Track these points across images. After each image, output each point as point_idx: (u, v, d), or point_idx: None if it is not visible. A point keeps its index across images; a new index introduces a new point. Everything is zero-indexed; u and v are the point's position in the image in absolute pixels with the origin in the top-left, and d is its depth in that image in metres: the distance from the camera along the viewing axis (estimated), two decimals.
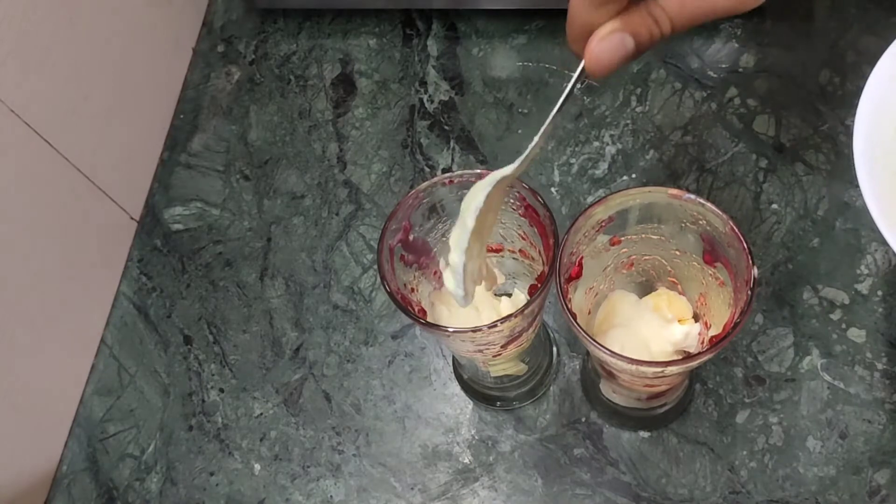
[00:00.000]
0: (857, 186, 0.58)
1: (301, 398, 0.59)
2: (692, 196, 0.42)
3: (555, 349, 0.57)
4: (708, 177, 0.61)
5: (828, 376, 0.54)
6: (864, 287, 0.56)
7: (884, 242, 0.56)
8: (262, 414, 0.58)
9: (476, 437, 0.56)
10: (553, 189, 0.62)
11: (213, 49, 0.72)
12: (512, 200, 0.45)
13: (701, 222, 0.43)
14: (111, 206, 0.63)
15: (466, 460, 0.55)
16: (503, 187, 0.39)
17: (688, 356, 0.42)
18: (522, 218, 0.45)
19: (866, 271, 0.56)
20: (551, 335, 0.57)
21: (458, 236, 0.39)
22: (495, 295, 0.50)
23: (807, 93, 0.62)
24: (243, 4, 0.73)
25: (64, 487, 0.58)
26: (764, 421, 0.53)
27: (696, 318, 0.48)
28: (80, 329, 0.61)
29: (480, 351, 0.47)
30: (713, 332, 0.47)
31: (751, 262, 0.40)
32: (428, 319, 0.47)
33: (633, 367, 0.40)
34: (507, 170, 0.38)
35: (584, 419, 0.55)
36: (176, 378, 0.60)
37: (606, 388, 0.52)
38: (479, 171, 0.44)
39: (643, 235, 0.46)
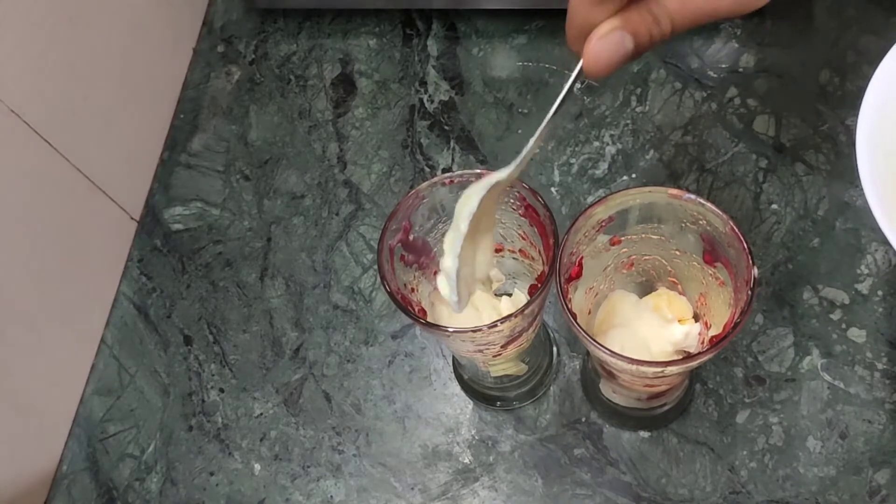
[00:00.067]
0: (858, 186, 0.58)
1: (301, 398, 0.59)
2: (692, 196, 0.42)
3: (555, 349, 0.57)
4: (708, 177, 0.61)
5: (828, 376, 0.54)
6: (864, 287, 0.56)
7: (884, 242, 0.56)
8: (262, 414, 0.58)
9: (476, 438, 0.56)
10: (553, 189, 0.62)
11: (213, 49, 0.72)
12: (512, 200, 0.45)
13: (701, 222, 0.43)
14: (111, 206, 0.63)
15: (466, 460, 0.55)
16: (498, 191, 0.39)
17: (688, 356, 0.42)
18: (522, 218, 0.45)
19: (866, 271, 0.56)
20: (551, 335, 0.57)
21: (452, 241, 0.38)
22: (495, 295, 0.50)
23: (807, 93, 0.62)
24: (243, 4, 0.73)
25: (64, 487, 0.58)
26: (764, 421, 0.53)
27: (696, 318, 0.48)
28: (80, 329, 0.61)
29: (480, 351, 0.47)
30: (713, 332, 0.47)
31: (751, 262, 0.40)
32: (428, 319, 0.47)
33: (633, 367, 0.40)
34: (502, 174, 0.38)
35: (584, 419, 0.55)
36: (176, 378, 0.60)
37: (606, 388, 0.52)
38: (479, 171, 0.44)
39: (643, 235, 0.46)
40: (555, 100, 0.36)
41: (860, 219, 0.58)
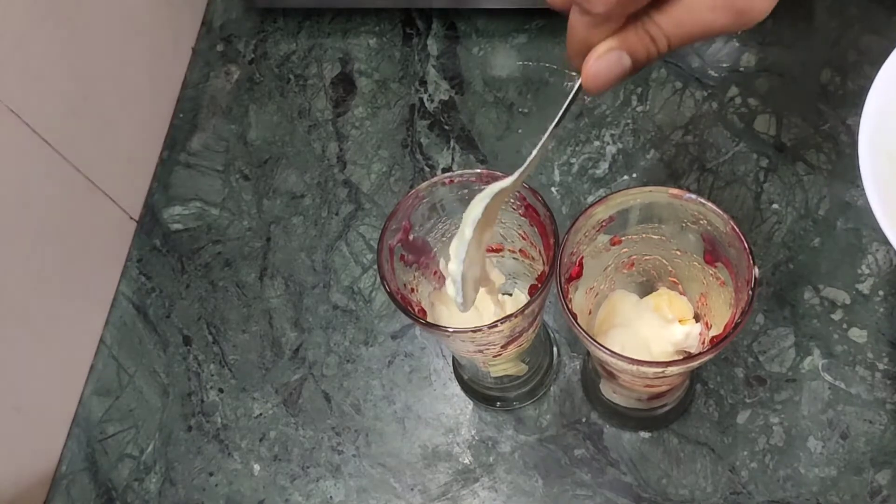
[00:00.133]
0: (859, 186, 0.58)
1: (301, 398, 0.58)
2: (693, 196, 0.42)
3: (555, 349, 0.57)
4: (709, 176, 0.60)
5: (829, 376, 0.54)
6: (865, 287, 0.56)
7: (885, 242, 0.56)
8: (261, 414, 0.58)
9: (476, 438, 0.56)
10: (553, 189, 0.62)
11: (213, 48, 0.72)
12: (512, 200, 0.45)
13: (702, 222, 0.43)
14: (110, 205, 0.63)
15: (466, 461, 0.55)
16: (502, 199, 0.40)
17: (688, 356, 0.41)
18: (523, 218, 0.45)
19: (867, 271, 0.56)
20: (551, 335, 0.57)
21: (457, 247, 0.39)
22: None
23: (808, 92, 0.62)
24: (243, 3, 0.73)
25: (63, 488, 0.58)
26: (765, 421, 0.53)
27: (696, 318, 0.48)
28: (79, 329, 0.61)
29: (480, 351, 0.47)
30: (714, 332, 0.46)
31: (752, 261, 0.40)
32: (428, 319, 0.47)
33: (634, 367, 0.40)
34: (507, 182, 0.38)
35: (584, 419, 0.55)
36: (175, 378, 0.60)
37: (607, 389, 0.52)
38: (479, 170, 0.44)
39: (644, 235, 0.46)
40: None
41: (861, 218, 0.57)
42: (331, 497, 0.55)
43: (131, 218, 0.66)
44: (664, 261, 0.48)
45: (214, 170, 0.67)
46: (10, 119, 0.52)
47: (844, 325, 0.55)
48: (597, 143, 0.63)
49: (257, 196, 0.66)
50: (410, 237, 0.45)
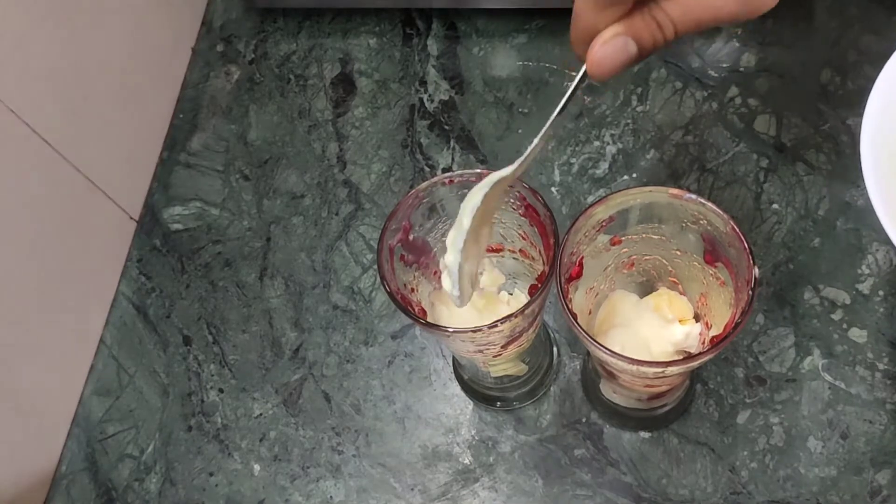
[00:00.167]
0: (859, 186, 0.58)
1: (301, 398, 0.58)
2: (693, 196, 0.42)
3: (555, 349, 0.57)
4: (709, 176, 0.60)
5: (829, 376, 0.54)
6: (865, 287, 0.56)
7: (886, 242, 0.56)
8: (261, 414, 0.58)
9: (476, 438, 0.56)
10: (553, 189, 0.62)
11: (213, 48, 0.72)
12: (512, 200, 0.45)
13: (702, 222, 0.43)
14: (110, 205, 0.63)
15: (466, 461, 0.55)
16: (501, 189, 0.39)
17: (688, 356, 0.41)
18: (523, 218, 0.45)
19: (867, 271, 0.56)
20: (551, 335, 0.57)
21: (454, 237, 0.39)
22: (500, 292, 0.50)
23: (808, 92, 0.62)
24: (243, 3, 0.73)
25: (63, 488, 0.58)
26: (765, 421, 0.53)
27: (696, 318, 0.48)
28: (79, 329, 0.61)
29: (481, 351, 0.46)
30: (714, 332, 0.46)
31: (752, 261, 0.40)
32: (428, 319, 0.47)
33: (634, 367, 0.40)
34: (506, 171, 0.38)
35: (584, 420, 0.55)
36: (175, 378, 0.60)
37: (607, 389, 0.52)
38: (479, 170, 0.43)
39: (644, 235, 0.46)
40: (557, 99, 0.36)
41: (861, 218, 0.57)
42: (331, 497, 0.55)
43: (131, 218, 0.66)
44: (664, 261, 0.48)
45: (214, 170, 0.67)
46: (10, 119, 0.52)
47: (844, 325, 0.55)
48: (597, 143, 0.63)
49: (257, 196, 0.66)
50: (410, 237, 0.45)
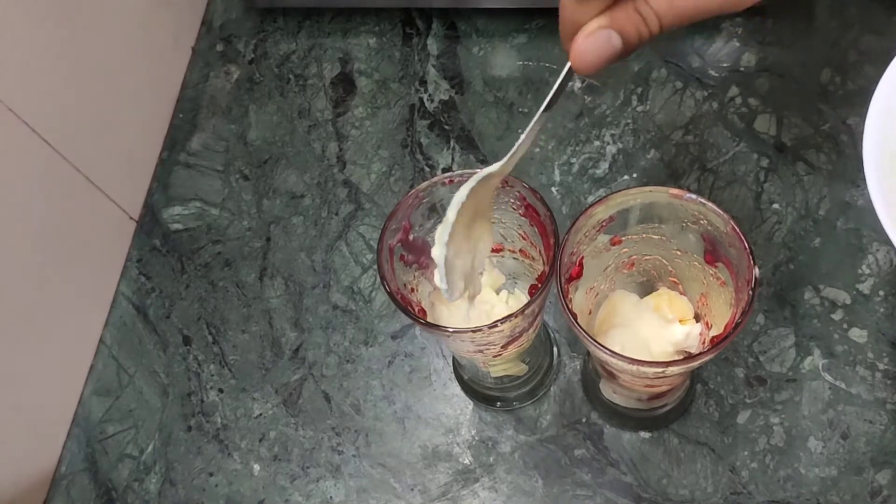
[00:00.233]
0: (859, 186, 0.58)
1: (300, 398, 0.58)
2: (693, 196, 0.42)
3: (555, 349, 0.57)
4: (709, 176, 0.60)
5: (829, 377, 0.54)
6: (865, 287, 0.56)
7: (886, 242, 0.56)
8: (261, 414, 0.58)
9: (476, 438, 0.56)
10: (553, 188, 0.62)
11: (213, 48, 0.72)
12: (512, 200, 0.45)
13: (702, 222, 0.43)
14: (110, 205, 0.63)
15: (467, 461, 0.55)
16: (490, 184, 0.39)
17: (689, 356, 0.41)
18: (523, 218, 0.45)
19: (868, 271, 0.56)
20: (552, 335, 0.57)
21: (441, 231, 0.39)
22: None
23: (808, 92, 0.62)
24: (242, 3, 0.73)
25: (63, 488, 0.58)
26: (765, 421, 0.53)
27: (697, 318, 0.48)
28: (78, 329, 0.61)
29: (481, 351, 0.46)
30: (714, 332, 0.46)
31: (752, 261, 0.40)
32: (428, 319, 0.47)
33: (634, 367, 0.40)
34: (494, 167, 0.38)
35: (584, 420, 0.55)
36: (175, 378, 0.60)
37: (607, 389, 0.52)
38: (478, 170, 0.43)
39: (644, 235, 0.46)
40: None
41: (861, 219, 0.57)
42: (331, 497, 0.55)
43: (131, 218, 0.65)
44: (664, 261, 0.47)
45: (214, 170, 0.67)
46: (10, 119, 0.52)
47: (845, 325, 0.55)
48: (597, 143, 0.63)
49: (257, 196, 0.66)
50: (410, 237, 0.45)
